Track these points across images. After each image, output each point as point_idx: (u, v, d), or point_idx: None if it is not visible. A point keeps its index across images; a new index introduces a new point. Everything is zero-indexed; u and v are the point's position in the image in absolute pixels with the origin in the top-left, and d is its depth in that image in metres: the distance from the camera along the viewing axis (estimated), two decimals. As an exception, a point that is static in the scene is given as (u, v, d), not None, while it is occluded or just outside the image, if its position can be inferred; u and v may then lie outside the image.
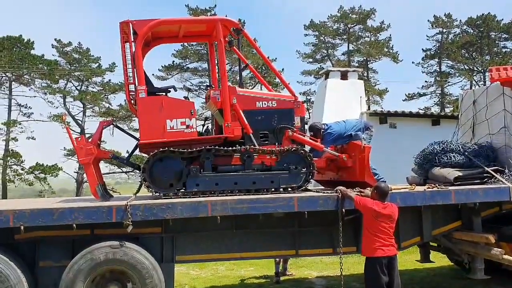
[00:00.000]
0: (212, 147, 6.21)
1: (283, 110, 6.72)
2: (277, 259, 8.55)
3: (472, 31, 43.03)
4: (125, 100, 37.08)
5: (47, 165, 31.88)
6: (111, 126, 6.70)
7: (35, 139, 34.03)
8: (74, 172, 35.58)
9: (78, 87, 37.11)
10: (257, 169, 6.37)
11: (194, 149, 6.17)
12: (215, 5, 39.91)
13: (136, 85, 6.28)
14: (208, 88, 7.09)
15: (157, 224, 6.05)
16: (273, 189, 6.29)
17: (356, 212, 6.27)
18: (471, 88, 45.24)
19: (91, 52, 37.28)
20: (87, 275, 5.38)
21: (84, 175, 35.90)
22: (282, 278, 8.62)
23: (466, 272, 7.14)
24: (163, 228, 6.14)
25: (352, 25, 40.23)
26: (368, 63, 40.69)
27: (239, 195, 6.13)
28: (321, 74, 15.16)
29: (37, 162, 31.83)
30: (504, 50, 42.83)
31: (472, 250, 6.81)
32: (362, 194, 5.99)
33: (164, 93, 6.52)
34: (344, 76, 13.07)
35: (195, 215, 5.72)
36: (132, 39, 6.45)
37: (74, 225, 5.43)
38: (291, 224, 6.45)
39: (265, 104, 6.68)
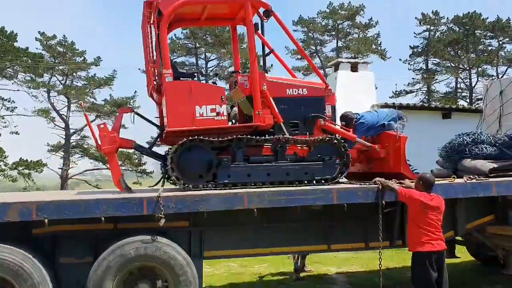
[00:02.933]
0: (244, 136, 5.83)
1: (314, 98, 6.36)
2: (295, 255, 8.22)
3: (458, 29, 43.28)
4: (110, 94, 36.57)
5: (31, 160, 30.99)
6: (132, 113, 6.23)
7: (19, 134, 33.08)
8: (59, 168, 34.72)
9: (63, 81, 36.17)
10: (290, 160, 6.02)
11: (226, 138, 5.78)
12: None
13: (161, 68, 5.84)
14: (232, 74, 6.68)
15: (184, 218, 5.65)
16: (306, 181, 5.95)
17: (395, 205, 6.00)
18: (456, 85, 45.67)
19: (76, 46, 36.34)
20: (117, 272, 4.97)
21: (70, 171, 35.45)
22: (301, 275, 8.29)
23: (501, 267, 6.90)
24: (191, 222, 5.75)
25: (341, 22, 40.07)
26: (357, 59, 40.59)
27: (272, 187, 5.77)
28: (330, 65, 14.86)
29: (21, 158, 30.91)
30: (489, 48, 43.20)
31: (508, 245, 6.57)
32: (404, 185, 5.69)
33: (190, 78, 6.10)
34: (354, 68, 12.80)
35: (231, 208, 5.34)
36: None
37: (103, 218, 4.99)
38: (322, 217, 6.13)
39: (295, 91, 6.31)
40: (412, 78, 43.32)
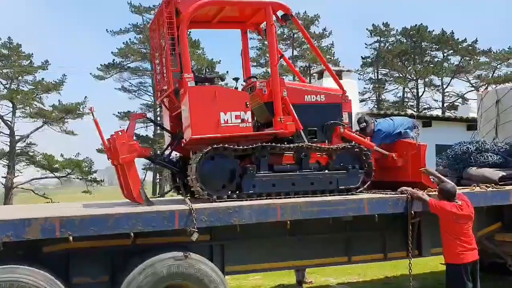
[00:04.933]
0: (269, 144, 5.57)
1: (331, 105, 6.20)
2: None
3: (406, 40, 44.94)
4: (59, 100, 34.96)
5: (-27, 169, 29.00)
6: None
7: (-42, 140, 30.93)
8: (3, 177, 32.80)
9: (7, 85, 34.24)
10: (314, 169, 5.81)
11: (250, 146, 5.49)
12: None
13: (182, 72, 5.47)
14: (248, 80, 6.40)
15: (206, 231, 5.30)
16: (328, 191, 5.77)
17: (420, 215, 5.91)
18: (403, 95, 47.34)
19: (22, 49, 34.52)
20: (148, 292, 4.53)
21: (16, 179, 33.48)
22: (304, 286, 8.07)
23: (509, 275, 6.99)
24: (212, 235, 5.41)
25: (297, 31, 40.44)
26: (311, 68, 41.13)
27: (296, 197, 5.55)
28: (314, 73, 14.81)
29: (-39, 166, 28.89)
30: (435, 59, 45.15)
31: (519, 252, 6.67)
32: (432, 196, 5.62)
33: (209, 83, 5.77)
34: (338, 76, 12.75)
35: (264, 220, 5.06)
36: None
37: (132, 234, 4.56)
38: (343, 228, 5.96)
39: (313, 98, 6.13)
40: (363, 88, 44.47)
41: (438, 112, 39.08)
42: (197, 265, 4.74)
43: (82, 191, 36.06)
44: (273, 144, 5.60)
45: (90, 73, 37.65)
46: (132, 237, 4.57)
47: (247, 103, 5.50)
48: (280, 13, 5.98)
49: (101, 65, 37.30)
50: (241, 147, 5.45)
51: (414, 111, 43.28)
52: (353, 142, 6.04)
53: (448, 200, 5.39)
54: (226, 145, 5.36)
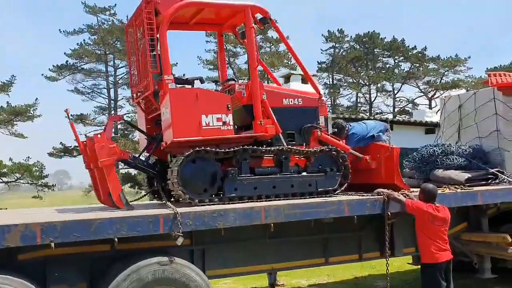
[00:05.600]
0: (250, 147, 5.57)
1: (308, 109, 6.28)
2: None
3: (359, 47, 46.05)
4: (8, 101, 33.49)
5: None
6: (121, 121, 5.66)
7: None
8: None
9: None
10: (293, 172, 5.86)
11: (232, 149, 5.46)
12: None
13: (162, 74, 5.38)
14: (225, 83, 6.37)
15: (186, 235, 5.21)
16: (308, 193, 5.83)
17: (395, 216, 6.06)
18: (357, 100, 48.46)
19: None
20: (134, 299, 4.41)
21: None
22: (276, 289, 8.10)
23: (474, 273, 7.27)
24: (193, 240, 5.35)
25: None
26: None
27: (276, 200, 5.57)
28: (281, 77, 14.90)
29: None
30: (387, 65, 46.51)
31: (484, 251, 6.95)
32: (409, 196, 5.78)
33: (190, 85, 5.71)
34: (305, 80, 12.91)
35: (248, 223, 5.04)
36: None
37: (116, 239, 4.43)
38: (322, 231, 6.03)
39: (291, 101, 6.19)
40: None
41: (390, 117, 40.27)
42: (182, 269, 4.66)
43: (32, 196, 34.64)
44: (255, 147, 5.60)
45: (42, 74, 36.32)
46: (116, 243, 4.44)
47: (229, 105, 5.48)
48: (258, 16, 6.02)
49: (53, 66, 36.07)
50: (222, 150, 5.42)
51: (367, 115, 44.49)
52: (330, 145, 6.15)
53: (428, 201, 5.55)
54: (208, 148, 5.32)
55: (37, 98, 34.36)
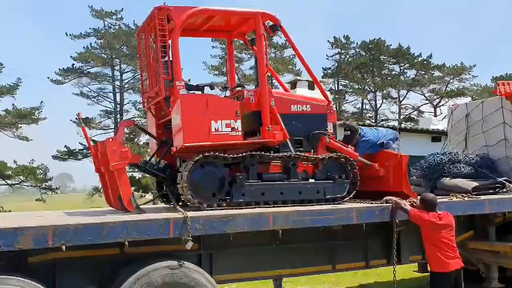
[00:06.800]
0: (258, 152, 5.60)
1: (317, 115, 6.31)
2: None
3: (365, 53, 46.10)
4: (13, 104, 33.66)
5: None
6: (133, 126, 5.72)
7: None
8: None
9: (-44, 89, 32.75)
10: (301, 178, 5.89)
11: (240, 154, 5.51)
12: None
13: (173, 80, 5.43)
14: (234, 89, 6.42)
15: (194, 240, 5.24)
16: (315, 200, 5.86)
17: (404, 224, 6.07)
18: (362, 106, 48.47)
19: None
20: (144, 302, 4.45)
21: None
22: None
23: (481, 282, 7.26)
24: (201, 244, 5.37)
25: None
26: (273, 79, 41.50)
27: (284, 206, 5.60)
28: (287, 83, 14.96)
29: None
30: (392, 72, 46.53)
31: (491, 260, 6.95)
32: (415, 205, 5.79)
33: (200, 91, 5.76)
34: (311, 86, 13.00)
35: (257, 229, 5.08)
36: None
37: (126, 243, 4.48)
38: (329, 237, 6.05)
39: (299, 108, 6.22)
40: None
41: (395, 123, 40.27)
42: (191, 274, 4.69)
43: (36, 199, 34.77)
44: (263, 153, 5.64)
45: (48, 77, 36.52)
46: (126, 246, 4.48)
47: (238, 112, 5.52)
48: (268, 23, 6.07)
49: (59, 69, 36.29)
50: (231, 155, 5.46)
51: (372, 121, 44.51)
52: (338, 152, 6.17)
53: (428, 210, 5.56)
54: (217, 153, 5.37)
55: (42, 101, 34.59)
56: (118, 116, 37.96)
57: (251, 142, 5.78)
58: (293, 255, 5.87)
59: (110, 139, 5.14)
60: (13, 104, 33.57)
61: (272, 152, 5.80)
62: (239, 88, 6.28)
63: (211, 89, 5.86)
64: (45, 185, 34.14)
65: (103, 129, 38.78)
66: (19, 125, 34.93)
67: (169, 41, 5.51)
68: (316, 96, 6.69)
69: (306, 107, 6.26)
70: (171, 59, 5.53)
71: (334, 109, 6.57)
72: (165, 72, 5.49)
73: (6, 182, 34.63)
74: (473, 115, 8.36)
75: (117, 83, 38.06)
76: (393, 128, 7.88)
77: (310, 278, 9.17)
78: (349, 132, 6.78)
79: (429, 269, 5.76)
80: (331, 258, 6.12)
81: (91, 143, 5.78)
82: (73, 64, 36.05)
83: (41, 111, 33.57)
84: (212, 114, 5.38)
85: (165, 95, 5.48)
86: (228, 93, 6.28)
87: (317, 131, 6.20)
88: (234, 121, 5.49)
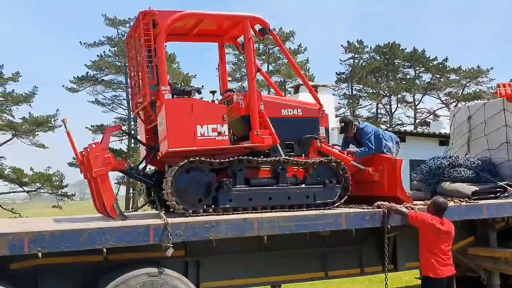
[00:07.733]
0: (246, 157, 5.53)
1: (308, 119, 6.20)
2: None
3: (379, 58, 45.77)
4: (30, 112, 34.19)
5: None
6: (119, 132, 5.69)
7: None
8: None
9: (-25, 97, 33.41)
10: (290, 183, 5.79)
11: (227, 159, 5.43)
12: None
13: (159, 85, 5.40)
14: (225, 93, 6.36)
15: (180, 246, 5.19)
16: (305, 206, 5.76)
17: (396, 229, 5.93)
18: (377, 110, 48.06)
19: (-8, 59, 33.79)
20: (122, 310, 4.39)
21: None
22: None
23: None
24: (187, 251, 5.31)
25: (272, 47, 40.80)
26: (286, 83, 41.40)
27: (273, 211, 5.51)
28: (291, 88, 14.89)
29: None
30: (407, 76, 46.06)
31: (492, 266, 6.74)
32: (413, 209, 5.64)
33: (187, 96, 5.71)
34: (315, 90, 12.79)
35: (241, 235, 4.98)
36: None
37: (104, 250, 4.43)
38: (320, 243, 5.93)
39: (290, 112, 6.12)
40: (338, 103, 44.94)
41: (411, 128, 39.81)
42: (171, 281, 4.63)
43: (52, 205, 35.19)
44: (250, 157, 5.56)
45: (63, 85, 37.07)
46: (104, 253, 4.43)
47: (224, 116, 5.45)
48: (258, 27, 6.00)
49: (74, 77, 36.77)
50: (217, 160, 5.40)
51: (387, 126, 44.06)
52: (331, 156, 6.06)
53: (437, 214, 5.42)
54: (203, 158, 5.30)
55: (58, 109, 35.10)
56: (132, 122, 38.25)
57: (239, 147, 5.71)
58: (282, 261, 5.77)
59: (93, 145, 5.12)
60: (29, 112, 34.20)
61: (262, 156, 5.73)
62: (230, 93, 6.22)
63: (199, 93, 5.80)
64: (61, 191, 34.56)
65: (117, 136, 39.14)
66: (36, 133, 35.46)
67: (155, 46, 5.48)
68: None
69: (297, 111, 6.16)
70: (156, 64, 5.49)
71: (326, 113, 6.45)
72: (150, 76, 5.45)
73: (23, 189, 35.19)
74: (475, 118, 8.16)
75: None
76: (394, 132, 7.73)
77: (311, 284, 9.05)
78: (343, 124, 6.69)
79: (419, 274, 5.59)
80: (323, 265, 6.00)
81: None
82: (87, 72, 36.56)
83: (57, 119, 34.03)
84: (198, 118, 5.32)
85: (150, 100, 5.44)
86: (217, 97, 6.22)
87: (308, 135, 6.10)
88: (220, 125, 5.41)
